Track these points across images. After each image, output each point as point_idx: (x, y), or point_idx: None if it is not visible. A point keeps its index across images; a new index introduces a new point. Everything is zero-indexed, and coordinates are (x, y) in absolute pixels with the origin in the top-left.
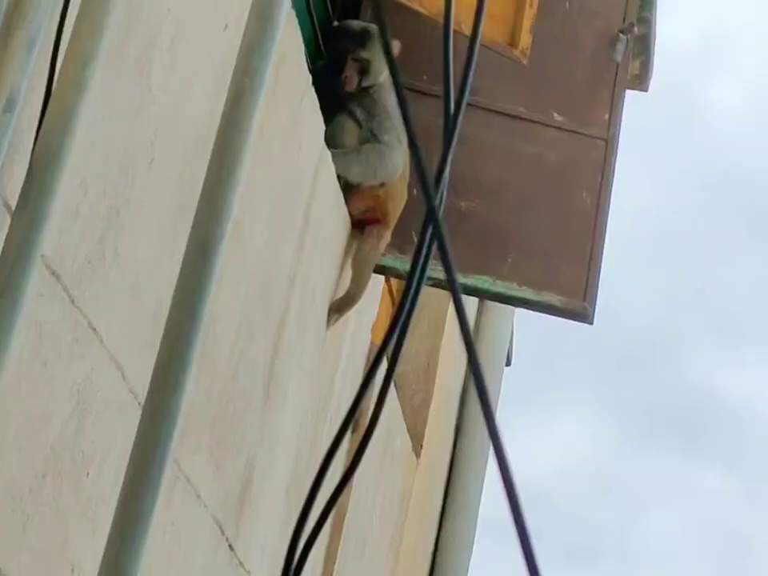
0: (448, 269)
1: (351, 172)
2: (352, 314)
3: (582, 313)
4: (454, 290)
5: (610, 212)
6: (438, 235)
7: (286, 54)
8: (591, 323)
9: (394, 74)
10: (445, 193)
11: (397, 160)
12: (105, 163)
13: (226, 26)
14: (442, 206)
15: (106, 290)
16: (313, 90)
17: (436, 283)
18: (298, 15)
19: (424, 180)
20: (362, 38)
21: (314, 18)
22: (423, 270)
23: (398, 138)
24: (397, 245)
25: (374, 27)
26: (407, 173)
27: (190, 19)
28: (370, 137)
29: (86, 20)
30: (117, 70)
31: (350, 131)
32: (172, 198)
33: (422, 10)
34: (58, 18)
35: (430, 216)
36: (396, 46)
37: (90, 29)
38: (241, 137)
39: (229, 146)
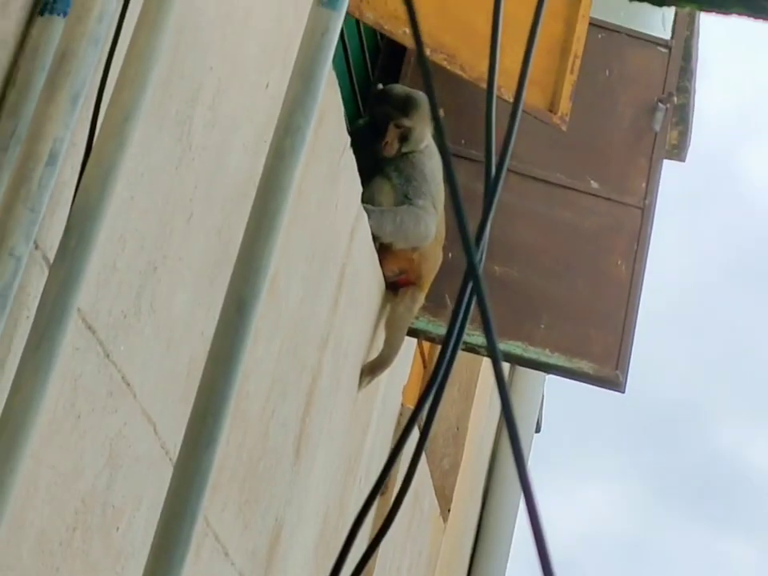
0: (488, 327)
1: (384, 231)
2: (384, 375)
3: (613, 381)
4: (495, 355)
5: (644, 280)
6: (478, 293)
7: (326, 113)
8: (623, 391)
9: (442, 140)
10: (484, 255)
11: (430, 225)
12: (143, 218)
13: (268, 84)
14: (482, 265)
15: (141, 345)
16: (351, 150)
17: (471, 348)
18: (337, 75)
19: (465, 237)
20: (406, 105)
21: (354, 78)
22: (460, 334)
23: (433, 203)
24: (430, 308)
25: (418, 95)
26: (442, 235)
27: (231, 77)
28: (405, 200)
29: (128, 74)
30: (158, 126)
31: (386, 193)
32: (209, 254)
33: (462, 74)
34: (101, 72)
35: (471, 273)
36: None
37: (133, 83)
38: (280, 195)
39: (268, 204)
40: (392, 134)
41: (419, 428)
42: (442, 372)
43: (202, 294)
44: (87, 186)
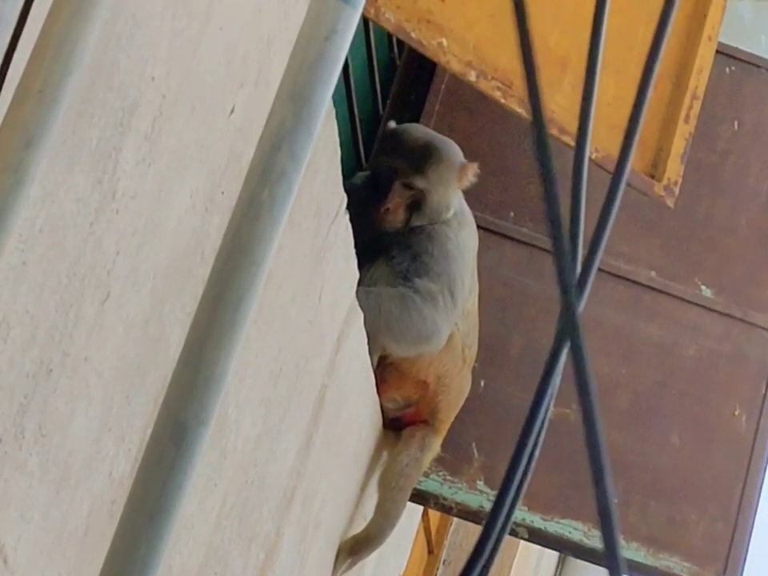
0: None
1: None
2: (371, 559)
3: None
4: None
5: None
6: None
7: (315, 160)
8: None
9: (538, 124)
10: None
11: (437, 321)
12: (38, 295)
13: (233, 108)
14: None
15: (21, 485)
16: (346, 216)
17: (512, 530)
18: (336, 107)
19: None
20: (422, 157)
21: (355, 110)
22: (511, 511)
23: (450, 292)
24: (448, 462)
25: (442, 143)
26: (472, 351)
27: (181, 94)
28: (401, 281)
29: (33, 83)
30: (69, 159)
31: (381, 275)
32: (129, 356)
33: (522, 112)
34: None
35: (542, 392)
36: (471, 170)
37: (38, 96)
38: (247, 277)
39: (227, 289)
40: (397, 198)
41: None
42: (481, 563)
43: (117, 413)
44: None
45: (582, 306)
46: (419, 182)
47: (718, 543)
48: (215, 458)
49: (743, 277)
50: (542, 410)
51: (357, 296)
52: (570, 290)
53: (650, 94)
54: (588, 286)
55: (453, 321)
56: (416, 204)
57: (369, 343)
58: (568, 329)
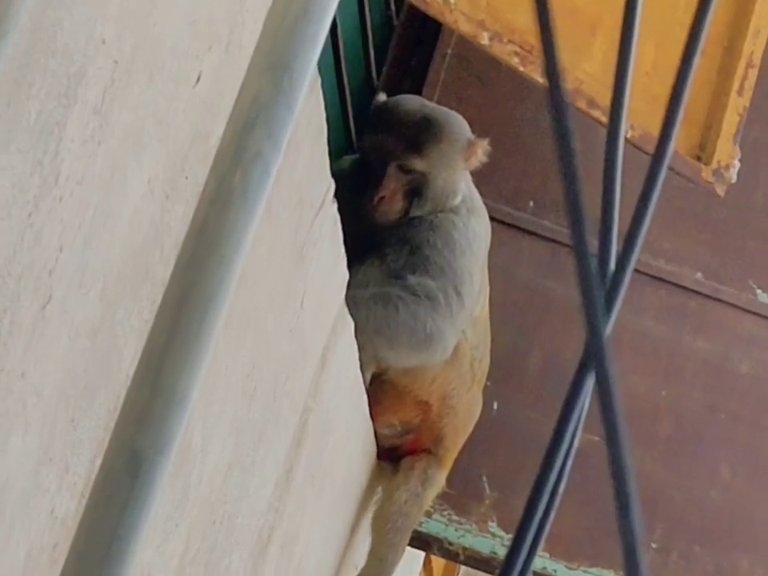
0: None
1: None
2: None
3: None
4: None
5: None
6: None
7: (297, 138)
8: None
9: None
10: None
11: (440, 325)
12: None
13: (199, 76)
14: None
15: None
16: (334, 206)
17: None
18: (319, 74)
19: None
20: (419, 133)
21: (345, 81)
22: (530, 558)
23: (455, 289)
24: (454, 499)
25: (446, 116)
26: (483, 367)
27: (137, 60)
28: (394, 278)
29: None
30: (4, 136)
31: (374, 273)
32: (75, 372)
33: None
34: None
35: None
36: (480, 147)
37: None
38: (216, 277)
39: (192, 293)
40: (392, 184)
41: None
42: None
43: (60, 439)
44: None
45: (610, 324)
46: (418, 164)
47: None
48: (177, 494)
49: None
50: (567, 438)
51: (353, 297)
52: (594, 304)
53: (697, 60)
54: (619, 297)
55: (460, 325)
56: (415, 190)
57: (360, 357)
58: (592, 355)
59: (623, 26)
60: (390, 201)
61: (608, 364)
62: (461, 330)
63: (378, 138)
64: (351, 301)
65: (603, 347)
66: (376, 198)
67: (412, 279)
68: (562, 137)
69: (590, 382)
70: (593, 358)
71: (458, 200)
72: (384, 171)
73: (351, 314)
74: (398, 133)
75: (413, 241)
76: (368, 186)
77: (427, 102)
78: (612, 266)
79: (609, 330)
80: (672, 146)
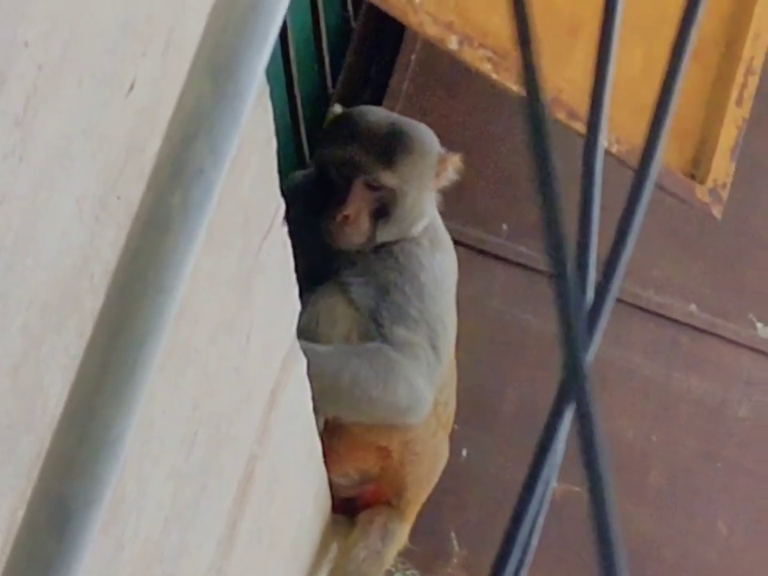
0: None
1: (326, 394)
2: None
3: None
4: None
5: None
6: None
7: (243, 152)
8: None
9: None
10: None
11: (422, 386)
12: None
13: (133, 83)
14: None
15: None
16: (284, 229)
17: None
18: (267, 81)
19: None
20: (388, 145)
21: (295, 89)
22: None
23: (431, 343)
24: (419, 557)
25: (414, 129)
26: (450, 411)
27: (64, 63)
28: (374, 329)
29: None
30: None
31: (340, 318)
32: None
33: (519, 92)
34: None
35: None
36: (451, 163)
37: None
38: (152, 310)
39: (124, 326)
40: (358, 201)
41: None
42: None
43: None
44: None
45: (591, 354)
46: (388, 179)
47: None
48: (109, 551)
49: None
50: (541, 483)
51: (319, 353)
52: (573, 333)
53: (687, 64)
54: (600, 325)
55: (436, 382)
56: (382, 210)
57: (314, 400)
58: (571, 388)
59: (602, 26)
60: (355, 221)
61: (589, 395)
62: (436, 387)
63: (342, 150)
64: (332, 355)
65: (583, 374)
66: (339, 217)
67: (395, 331)
68: (540, 152)
69: (568, 417)
70: (572, 388)
71: (423, 224)
72: (348, 188)
73: (326, 367)
74: (365, 145)
75: (378, 277)
76: (326, 205)
77: (392, 113)
78: (590, 293)
79: (590, 357)
80: (659, 157)
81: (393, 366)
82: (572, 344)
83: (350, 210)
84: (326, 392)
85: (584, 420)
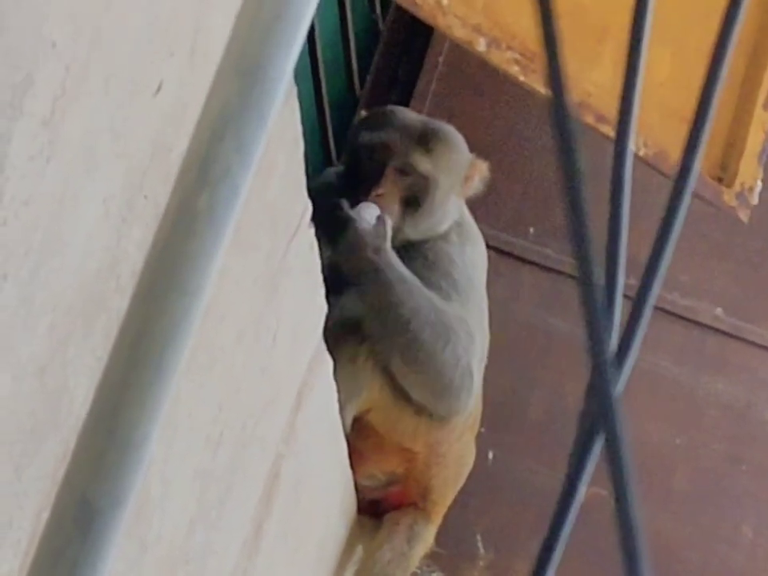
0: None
1: (392, 329)
2: None
3: None
4: None
5: None
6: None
7: (270, 153)
8: None
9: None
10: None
11: (470, 360)
12: None
13: (160, 85)
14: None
15: None
16: (311, 230)
17: None
18: (297, 84)
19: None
20: (424, 132)
21: (323, 92)
22: None
23: (471, 336)
24: (444, 560)
25: (445, 127)
26: (475, 413)
27: (90, 65)
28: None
29: None
30: None
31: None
32: (20, 412)
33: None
34: None
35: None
36: (479, 171)
37: None
38: (179, 311)
39: (150, 329)
40: (390, 184)
41: None
42: None
43: (2, 490)
44: None
45: (623, 380)
46: (423, 164)
47: None
48: (133, 551)
49: None
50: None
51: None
52: (602, 356)
53: (725, 71)
54: (634, 347)
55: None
56: (413, 199)
57: (341, 398)
58: (600, 416)
59: (632, 31)
60: (386, 205)
61: (619, 427)
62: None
63: (377, 135)
64: (417, 288)
65: (612, 407)
66: (371, 196)
67: (457, 298)
68: (567, 156)
69: (598, 446)
70: (601, 419)
71: (449, 223)
72: (381, 172)
73: (407, 293)
74: (400, 130)
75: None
76: (356, 193)
77: (422, 116)
78: (619, 300)
79: (620, 387)
80: (697, 168)
81: (459, 338)
82: (601, 369)
83: (382, 189)
84: (393, 323)
85: (613, 449)
